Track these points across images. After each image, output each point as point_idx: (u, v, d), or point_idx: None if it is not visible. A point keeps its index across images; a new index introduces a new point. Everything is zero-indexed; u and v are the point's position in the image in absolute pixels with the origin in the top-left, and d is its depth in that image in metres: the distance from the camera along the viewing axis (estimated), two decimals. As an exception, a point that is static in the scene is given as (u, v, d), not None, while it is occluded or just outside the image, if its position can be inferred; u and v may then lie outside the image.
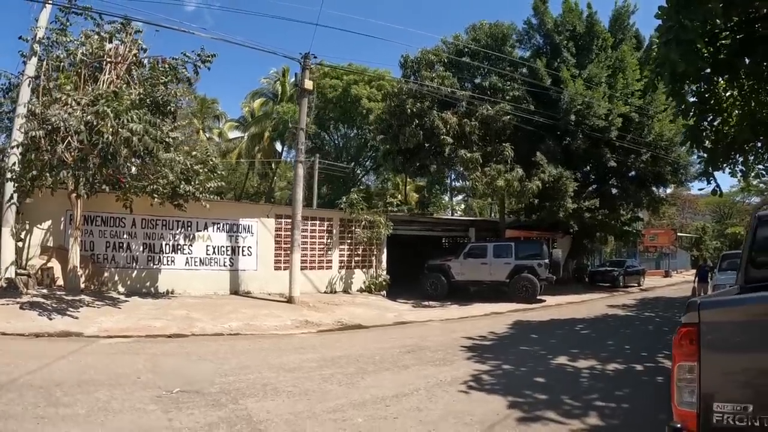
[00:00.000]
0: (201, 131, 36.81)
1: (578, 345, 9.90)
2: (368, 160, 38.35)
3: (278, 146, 38.31)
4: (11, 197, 11.54)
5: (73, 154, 10.00)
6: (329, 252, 17.80)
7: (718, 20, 6.33)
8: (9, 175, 10.92)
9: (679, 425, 2.57)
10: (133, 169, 11.34)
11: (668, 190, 31.45)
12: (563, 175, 19.23)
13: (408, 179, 32.60)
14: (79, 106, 9.91)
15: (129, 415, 5.15)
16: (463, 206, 48.79)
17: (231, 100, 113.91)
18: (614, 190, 23.26)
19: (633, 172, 22.58)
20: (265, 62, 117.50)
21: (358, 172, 40.70)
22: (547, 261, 17.47)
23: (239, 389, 6.16)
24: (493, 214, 36.85)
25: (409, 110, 19.22)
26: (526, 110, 19.56)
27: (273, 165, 33.60)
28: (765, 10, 6.60)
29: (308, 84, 15.51)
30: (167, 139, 11.23)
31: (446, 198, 43.80)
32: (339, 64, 31.02)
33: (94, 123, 9.59)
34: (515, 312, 15.14)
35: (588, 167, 22.64)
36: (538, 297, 17.23)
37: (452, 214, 43.46)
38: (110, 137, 9.57)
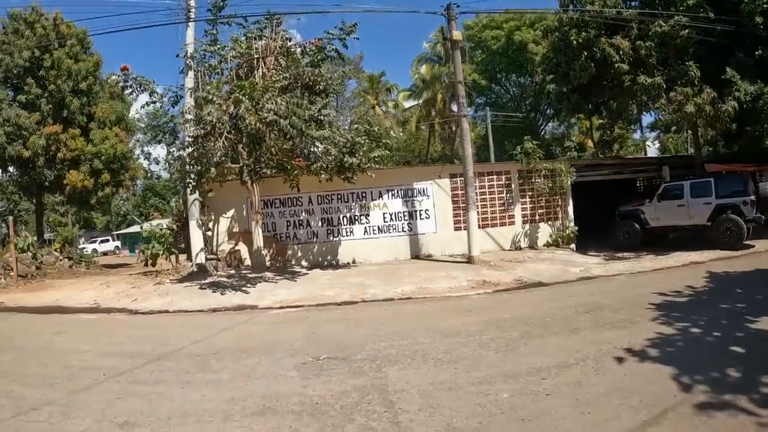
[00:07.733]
0: (376, 106, 37.69)
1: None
2: (547, 107, 35.52)
3: (454, 107, 37.67)
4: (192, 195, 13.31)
5: (225, 146, 10.53)
6: (510, 207, 16.48)
7: None
8: (187, 179, 12.31)
9: None
10: (285, 145, 11.55)
11: None
12: (764, 91, 14.74)
13: (589, 119, 29.44)
14: (225, 102, 10.37)
15: (267, 381, 5.15)
16: (657, 144, 42.71)
17: (400, 70, 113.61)
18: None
19: None
20: (424, 26, 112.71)
21: (540, 121, 37.91)
22: (753, 198, 13.70)
23: (387, 356, 5.77)
24: (689, 150, 31.38)
25: (574, 42, 16.57)
26: (705, 19, 15.51)
27: (453, 126, 32.70)
28: None
29: (456, 35, 14.47)
30: (320, 117, 11.31)
31: (635, 136, 38.60)
32: (490, 10, 29.18)
33: (234, 112, 9.99)
34: (717, 261, 12.15)
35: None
36: (745, 242, 13.67)
37: (645, 154, 38.23)
38: (254, 123, 9.86)
